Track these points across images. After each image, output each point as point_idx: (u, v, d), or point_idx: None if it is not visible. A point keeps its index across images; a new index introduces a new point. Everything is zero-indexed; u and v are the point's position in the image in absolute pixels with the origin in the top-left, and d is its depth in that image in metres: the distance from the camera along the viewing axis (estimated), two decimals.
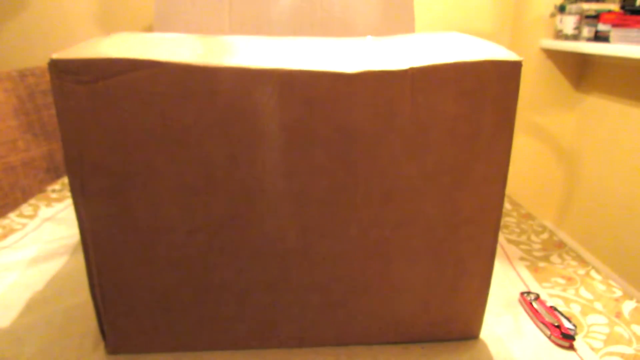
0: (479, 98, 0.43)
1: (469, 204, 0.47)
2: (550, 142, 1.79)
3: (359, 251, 0.47)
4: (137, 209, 0.44)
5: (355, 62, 0.42)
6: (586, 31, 1.57)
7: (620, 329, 0.54)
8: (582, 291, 0.62)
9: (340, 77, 0.41)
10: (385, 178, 0.45)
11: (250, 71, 0.40)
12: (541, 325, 0.54)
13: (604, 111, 1.60)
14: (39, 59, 1.38)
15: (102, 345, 0.50)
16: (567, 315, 0.55)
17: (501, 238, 0.78)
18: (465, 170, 0.45)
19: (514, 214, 0.89)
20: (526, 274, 0.67)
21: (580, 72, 1.74)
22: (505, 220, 0.86)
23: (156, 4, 0.81)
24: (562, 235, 1.71)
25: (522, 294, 0.60)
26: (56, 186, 0.99)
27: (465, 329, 0.52)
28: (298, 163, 0.43)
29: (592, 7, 1.59)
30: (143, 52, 0.41)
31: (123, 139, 0.41)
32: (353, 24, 0.83)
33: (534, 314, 0.56)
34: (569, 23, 1.61)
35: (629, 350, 0.51)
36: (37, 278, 0.64)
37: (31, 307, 0.57)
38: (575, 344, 0.51)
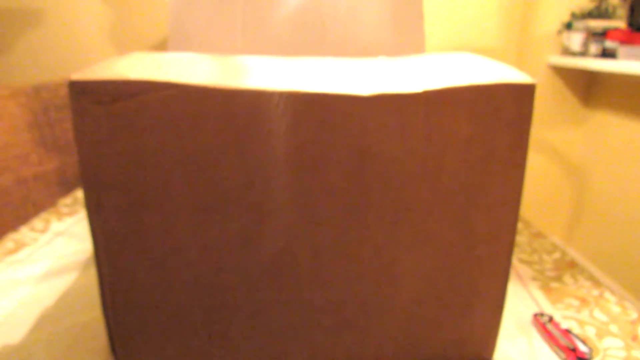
0: (493, 120, 0.43)
1: (483, 226, 0.46)
2: (558, 159, 1.78)
3: (372, 272, 0.47)
4: (151, 227, 0.44)
5: (370, 84, 0.43)
6: (593, 48, 1.58)
7: (637, 353, 0.53)
8: (597, 313, 0.61)
9: (356, 100, 0.41)
10: (399, 199, 0.45)
11: (267, 93, 0.40)
12: (556, 348, 0.53)
13: (612, 127, 1.60)
14: (53, 74, 1.41)
15: None
16: (582, 338, 0.55)
17: (512, 258, 0.77)
18: (479, 193, 0.45)
19: (525, 232, 0.89)
20: (539, 294, 0.66)
21: (588, 88, 1.74)
22: (516, 239, 0.85)
23: (170, 22, 0.83)
24: (572, 253, 1.69)
25: (535, 315, 0.59)
26: (67, 200, 1.00)
27: (478, 351, 0.52)
28: (311, 184, 0.43)
29: (599, 24, 1.60)
30: (160, 73, 0.41)
31: (139, 159, 0.41)
32: (364, 43, 0.84)
33: (548, 337, 0.55)
34: (576, 40, 1.62)
35: None
36: (48, 293, 0.64)
37: (42, 323, 0.57)
38: None
